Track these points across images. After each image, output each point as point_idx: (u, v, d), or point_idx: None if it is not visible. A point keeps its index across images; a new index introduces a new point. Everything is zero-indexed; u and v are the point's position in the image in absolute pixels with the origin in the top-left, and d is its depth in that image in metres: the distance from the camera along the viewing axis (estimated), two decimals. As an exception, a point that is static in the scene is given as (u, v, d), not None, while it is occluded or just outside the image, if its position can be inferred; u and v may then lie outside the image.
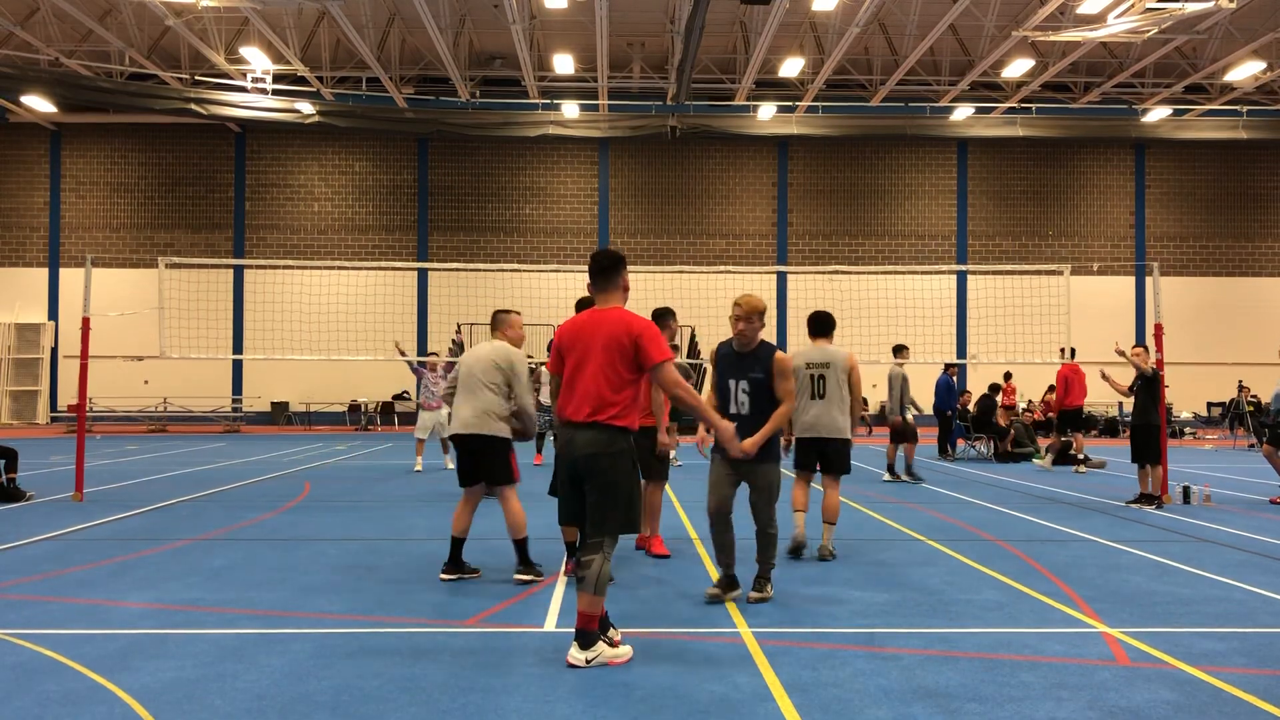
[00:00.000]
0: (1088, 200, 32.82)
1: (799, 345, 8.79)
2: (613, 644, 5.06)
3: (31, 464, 15.81)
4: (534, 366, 9.85)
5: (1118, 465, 17.14)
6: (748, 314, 6.41)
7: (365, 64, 26.78)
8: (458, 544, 7.11)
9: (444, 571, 7.09)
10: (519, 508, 7.09)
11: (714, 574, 7.28)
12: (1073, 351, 15.61)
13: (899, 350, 15.08)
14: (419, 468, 15.80)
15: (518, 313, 7.54)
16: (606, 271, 5.26)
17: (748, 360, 6.51)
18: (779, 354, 6.45)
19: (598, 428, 5.02)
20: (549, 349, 5.88)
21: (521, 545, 7.07)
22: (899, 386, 14.74)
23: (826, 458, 8.18)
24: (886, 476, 14.56)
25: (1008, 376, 21.54)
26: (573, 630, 5.01)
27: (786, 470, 8.08)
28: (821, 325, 8.51)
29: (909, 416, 14.68)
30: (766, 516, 6.47)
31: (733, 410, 6.51)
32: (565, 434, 5.14)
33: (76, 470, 11.81)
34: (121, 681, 4.64)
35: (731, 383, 6.55)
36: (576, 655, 4.91)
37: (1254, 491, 13.36)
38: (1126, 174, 32.92)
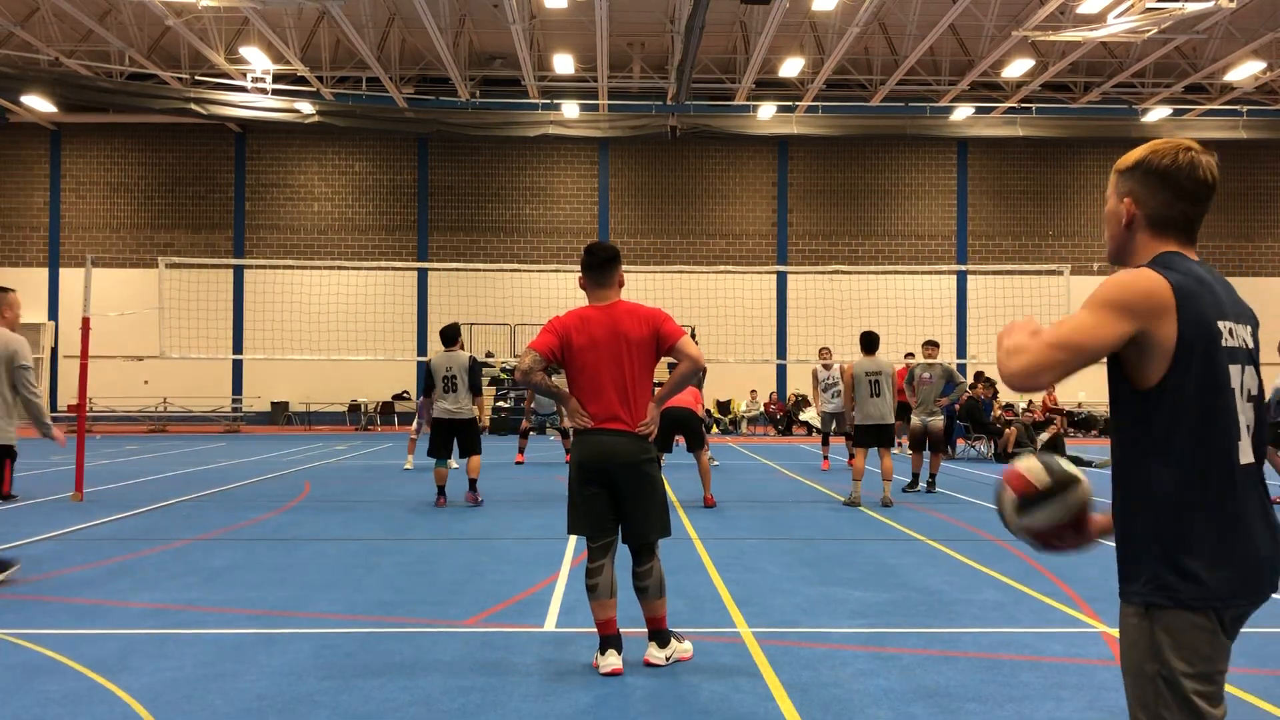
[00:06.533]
0: (1088, 200, 32.79)
1: (799, 345, 9.18)
2: (680, 640, 5.14)
3: (31, 464, 15.80)
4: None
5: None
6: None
7: (365, 64, 26.76)
8: None
9: None
10: None
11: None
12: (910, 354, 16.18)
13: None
14: (409, 465, 16.14)
15: (12, 290, 7.30)
16: (606, 266, 4.95)
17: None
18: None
19: (634, 436, 4.86)
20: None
21: None
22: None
23: (882, 437, 11.24)
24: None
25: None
26: (572, 630, 5.06)
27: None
28: (872, 343, 11.38)
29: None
30: None
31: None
32: (594, 441, 4.84)
33: (76, 470, 11.79)
34: (121, 681, 4.64)
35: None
36: (656, 654, 4.95)
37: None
38: (1127, 174, 32.89)
